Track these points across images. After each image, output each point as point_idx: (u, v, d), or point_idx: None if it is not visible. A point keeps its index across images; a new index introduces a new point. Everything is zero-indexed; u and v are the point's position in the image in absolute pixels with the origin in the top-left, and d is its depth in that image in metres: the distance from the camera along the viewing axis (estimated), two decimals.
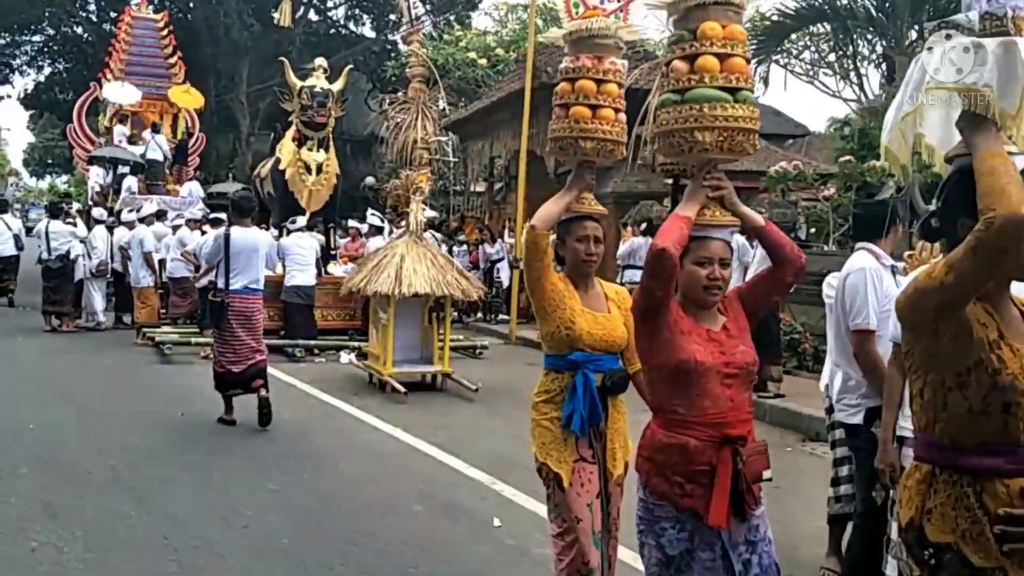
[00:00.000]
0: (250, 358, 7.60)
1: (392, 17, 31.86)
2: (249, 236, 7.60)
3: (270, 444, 7.14)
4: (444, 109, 21.83)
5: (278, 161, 12.75)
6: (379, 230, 12.85)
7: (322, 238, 12.47)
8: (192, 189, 17.79)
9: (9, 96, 31.12)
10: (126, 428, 7.45)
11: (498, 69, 22.20)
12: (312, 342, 11.47)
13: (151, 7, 22.48)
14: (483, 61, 22.05)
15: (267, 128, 31.47)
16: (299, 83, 12.27)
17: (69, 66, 29.01)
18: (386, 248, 9.69)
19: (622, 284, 11.88)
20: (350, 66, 14.20)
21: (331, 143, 12.70)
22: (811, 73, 22.41)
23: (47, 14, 27.22)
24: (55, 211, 13.76)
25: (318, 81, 12.35)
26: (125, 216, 13.85)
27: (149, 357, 10.96)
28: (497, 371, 11.11)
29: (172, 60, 21.14)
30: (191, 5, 29.31)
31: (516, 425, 7.92)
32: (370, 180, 28.41)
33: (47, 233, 13.32)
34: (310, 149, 12.39)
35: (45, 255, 13.34)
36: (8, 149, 71.41)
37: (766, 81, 20.00)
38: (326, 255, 12.53)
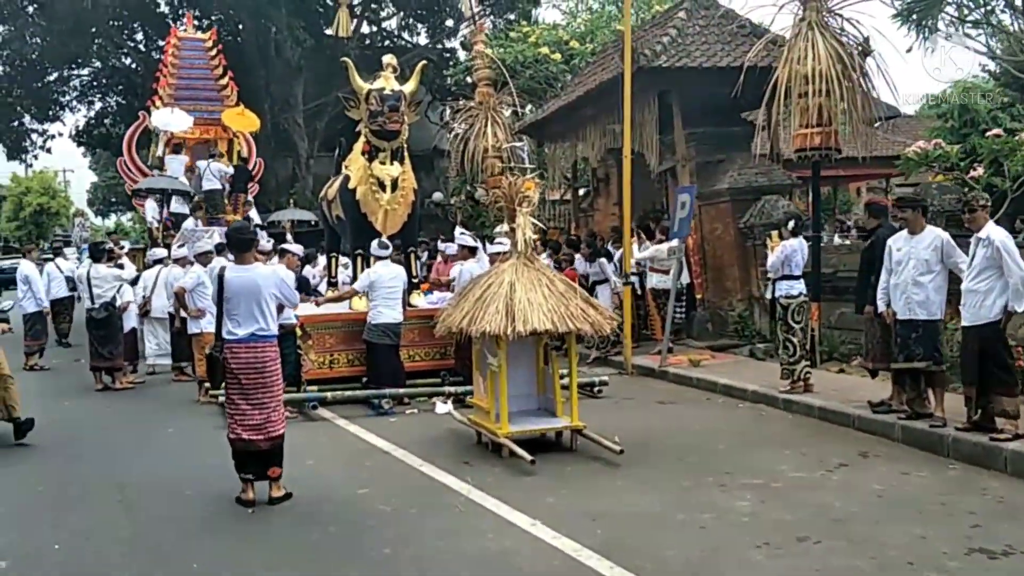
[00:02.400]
0: (268, 426, 6.21)
1: (449, 23, 30.24)
2: (248, 275, 6.25)
3: (374, 544, 5.24)
4: (516, 111, 20.08)
5: (347, 179, 10.94)
6: (472, 251, 10.92)
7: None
8: (251, 217, 16.17)
9: (60, 134, 30.21)
10: (188, 531, 5.64)
11: (574, 63, 20.26)
12: (402, 391, 9.60)
13: (198, 29, 21.02)
14: (556, 56, 20.13)
15: (326, 149, 30.09)
16: (366, 86, 10.45)
17: (120, 99, 27.98)
18: (489, 275, 7.74)
19: (774, 299, 9.83)
20: (423, 61, 12.31)
21: (406, 154, 10.85)
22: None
23: (95, 47, 26.17)
24: (97, 253, 12.17)
25: (387, 83, 10.50)
26: (175, 252, 12.19)
27: (216, 420, 9.18)
28: (629, 415, 9.10)
29: (223, 81, 19.62)
30: (240, 27, 27.98)
31: (694, 507, 5.92)
32: (438, 196, 26.70)
33: (89, 279, 11.72)
34: (383, 162, 10.53)
35: (88, 304, 11.76)
36: (72, 190, 71.73)
37: None
38: (410, 283, 10.66)
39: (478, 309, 7.33)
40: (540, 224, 8.13)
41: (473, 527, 5.67)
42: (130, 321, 12.21)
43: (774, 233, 9.77)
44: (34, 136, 28.46)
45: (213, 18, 26.66)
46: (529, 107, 21.48)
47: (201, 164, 17.16)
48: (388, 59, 10.93)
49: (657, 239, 13.22)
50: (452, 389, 9.69)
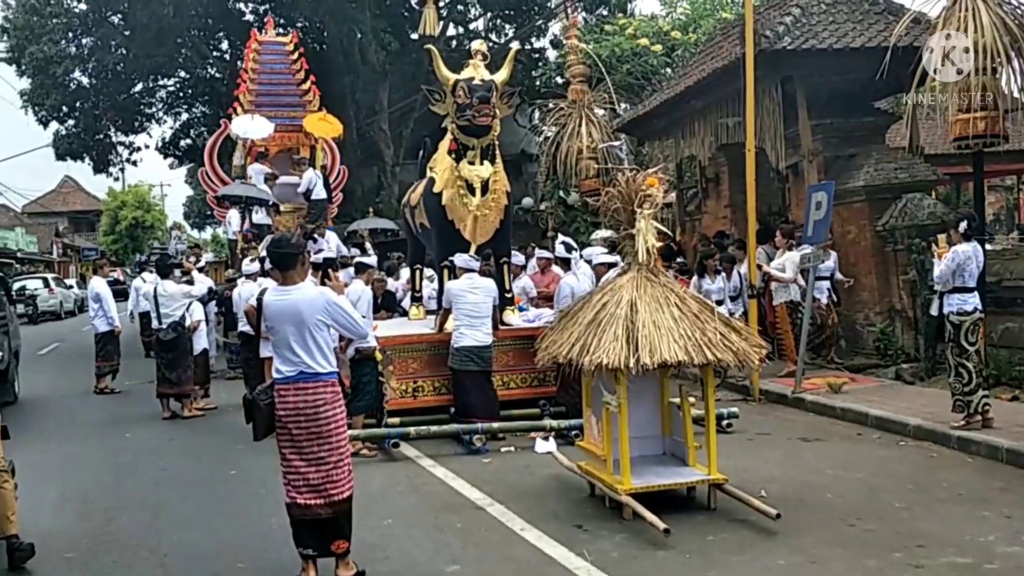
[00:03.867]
0: (329, 487, 4.95)
1: (539, 22, 28.96)
2: (288, 299, 5.01)
3: None
4: (614, 108, 18.63)
5: (431, 183, 9.68)
6: (566, 263, 9.40)
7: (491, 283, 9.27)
8: (328, 236, 15.06)
9: (146, 146, 30.00)
10: None
11: (676, 55, 18.70)
12: (495, 425, 8.25)
13: (279, 33, 20.17)
14: (657, 47, 18.60)
15: (412, 156, 29.09)
16: (452, 76, 9.17)
17: (205, 110, 27.56)
18: (603, 292, 6.31)
19: (942, 316, 8.16)
20: (516, 46, 10.94)
21: (498, 152, 9.52)
22: None
23: (180, 57, 25.72)
24: (164, 268, 11.19)
25: (476, 72, 9.20)
26: (246, 267, 11.12)
27: None
28: (769, 458, 7.55)
29: (305, 85, 18.68)
30: (324, 33, 27.23)
31: None
32: (527, 201, 25.34)
33: (155, 297, 10.75)
34: (471, 162, 9.21)
35: (155, 324, 10.78)
36: (168, 203, 73.18)
37: None
38: (502, 299, 9.32)
39: (591, 335, 5.92)
40: (665, 229, 6.67)
41: None
42: (201, 342, 11.21)
43: (941, 237, 8.09)
44: (120, 149, 28.24)
45: (298, 25, 25.98)
46: (624, 105, 20.02)
47: (311, 175, 16.17)
48: (477, 45, 9.64)
49: (783, 245, 11.60)
50: (554, 423, 8.29)
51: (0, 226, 43.69)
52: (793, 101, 12.52)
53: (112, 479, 7.76)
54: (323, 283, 5.09)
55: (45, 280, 33.28)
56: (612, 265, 9.20)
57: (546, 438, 8.14)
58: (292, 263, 5.02)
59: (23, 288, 30.30)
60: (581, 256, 9.28)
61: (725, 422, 8.50)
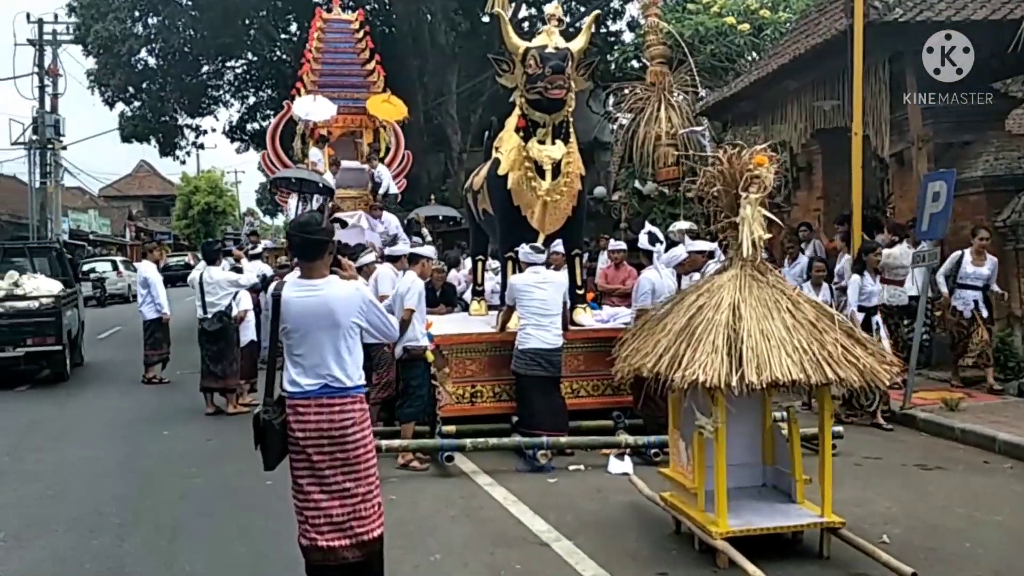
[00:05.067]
0: (355, 525, 4.03)
1: (614, 3, 27.80)
2: (316, 296, 4.07)
3: None
4: (697, 92, 17.41)
5: (496, 164, 8.71)
6: (648, 256, 8.23)
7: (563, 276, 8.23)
8: (386, 218, 14.24)
9: (213, 130, 29.67)
10: None
11: (765, 35, 17.38)
12: (563, 440, 7.25)
13: (345, 10, 19.42)
14: (744, 26, 17.30)
15: (480, 143, 28.24)
16: (523, 44, 8.18)
17: (272, 94, 27.06)
18: (698, 293, 5.24)
19: None
20: (596, 12, 9.95)
21: (572, 130, 8.50)
22: None
23: (247, 39, 25.23)
24: (211, 254, 10.44)
25: (550, 39, 8.17)
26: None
27: None
28: (885, 490, 6.42)
29: (370, 66, 17.88)
30: (393, 15, 26.49)
31: None
32: (599, 191, 24.16)
33: (201, 284, 10.01)
34: (541, 141, 8.19)
35: (200, 313, 10.05)
36: (240, 189, 73.66)
37: None
38: (572, 295, 8.31)
39: (683, 344, 4.89)
40: (775, 218, 5.58)
41: None
42: (248, 333, 10.44)
43: None
44: (186, 131, 27.91)
45: (367, 7, 25.30)
46: (704, 90, 18.76)
47: (381, 170, 15.41)
48: (552, 8, 8.67)
49: (886, 240, 10.37)
50: (631, 440, 7.27)
51: (74, 208, 44.09)
52: (901, 81, 11.22)
53: (135, 488, 6.99)
54: (331, 271, 4.12)
55: (114, 263, 33.31)
56: (711, 255, 8.16)
57: (621, 456, 7.13)
58: (320, 252, 4.09)
59: (92, 270, 30.30)
60: (667, 249, 8.18)
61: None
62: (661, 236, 8.08)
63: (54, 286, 13.03)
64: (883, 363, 4.85)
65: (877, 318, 8.78)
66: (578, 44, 8.34)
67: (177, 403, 10.68)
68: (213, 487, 6.97)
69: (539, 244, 8.04)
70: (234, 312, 10.07)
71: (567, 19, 29.30)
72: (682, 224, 13.39)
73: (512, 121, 8.54)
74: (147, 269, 12.58)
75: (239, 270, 10.76)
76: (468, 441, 7.13)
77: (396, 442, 7.14)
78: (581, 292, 8.67)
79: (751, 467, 5.51)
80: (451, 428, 7.62)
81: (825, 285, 9.45)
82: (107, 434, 9.21)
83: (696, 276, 8.09)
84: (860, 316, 8.52)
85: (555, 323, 7.46)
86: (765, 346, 4.67)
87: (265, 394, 4.17)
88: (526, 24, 27.64)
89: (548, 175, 8.17)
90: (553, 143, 8.20)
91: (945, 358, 10.39)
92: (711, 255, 8.34)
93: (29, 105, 36.49)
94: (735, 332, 4.74)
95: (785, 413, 5.60)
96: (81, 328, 14.63)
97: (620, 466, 7.01)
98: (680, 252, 8.47)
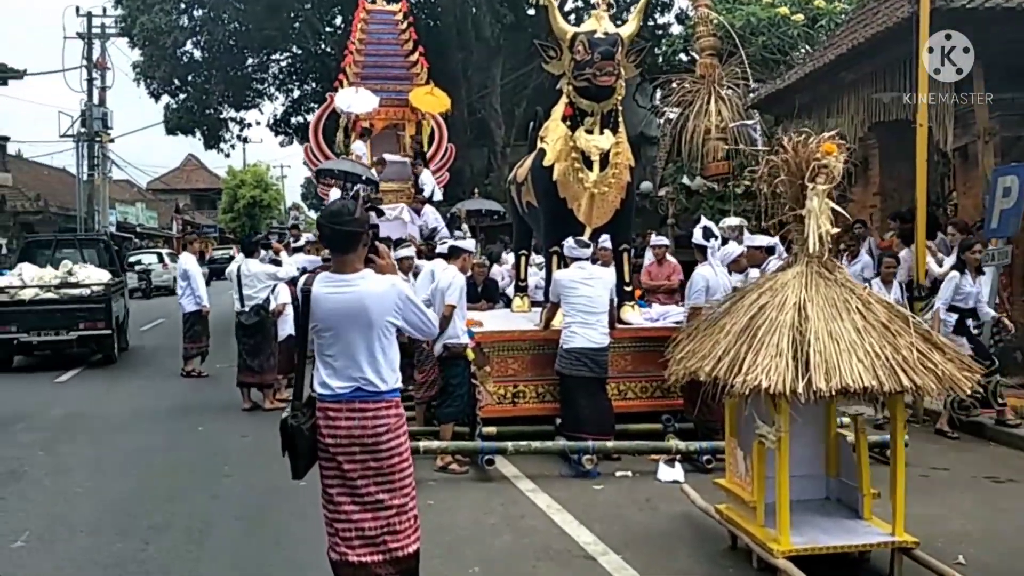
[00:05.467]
0: (389, 540, 3.71)
1: None
2: (350, 292, 3.74)
3: None
4: (748, 84, 16.89)
5: (541, 155, 8.36)
6: (702, 251, 7.75)
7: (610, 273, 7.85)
8: (425, 211, 13.97)
9: (257, 123, 29.64)
10: None
11: (820, 25, 16.81)
12: (610, 444, 6.90)
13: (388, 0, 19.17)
14: (798, 16, 16.74)
15: (523, 137, 27.90)
16: (571, 30, 7.82)
17: (317, 87, 26.95)
18: (759, 290, 4.85)
19: None
20: None
21: (621, 119, 8.13)
22: None
23: (293, 32, 25.11)
24: (249, 246, 10.24)
25: (599, 24, 7.81)
26: None
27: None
28: (957, 504, 6.00)
29: (413, 57, 17.63)
30: (438, 8, 26.23)
31: None
32: (646, 186, 23.72)
33: (239, 277, 9.82)
34: (589, 131, 7.83)
35: (237, 306, 9.85)
36: (286, 183, 74.09)
37: None
38: (620, 292, 7.93)
39: (744, 347, 4.51)
40: (842, 211, 5.17)
41: None
42: (286, 327, 10.22)
43: None
44: (231, 125, 27.89)
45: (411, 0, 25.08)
46: (754, 84, 18.21)
47: (427, 179, 15.09)
48: None
49: (945, 239, 9.88)
50: (682, 445, 6.90)
51: (122, 201, 44.62)
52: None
53: (166, 487, 6.78)
54: (367, 263, 3.80)
55: (159, 255, 33.55)
56: (770, 250, 7.77)
57: (671, 463, 6.77)
58: (352, 243, 3.77)
59: (138, 262, 30.52)
60: (723, 245, 7.78)
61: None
62: (716, 231, 7.67)
63: (103, 275, 14.05)
64: (963, 369, 4.44)
65: (980, 319, 8.26)
66: (628, 29, 7.98)
67: (214, 398, 10.51)
68: (247, 487, 6.74)
69: (585, 238, 7.70)
70: (272, 305, 9.87)
71: (614, 6, 28.90)
72: (732, 220, 12.92)
73: (558, 110, 8.20)
74: (187, 261, 12.44)
75: (278, 263, 10.52)
76: (510, 444, 6.80)
77: (435, 443, 6.84)
78: (629, 289, 8.31)
79: (814, 479, 5.13)
80: (492, 429, 7.32)
81: (896, 283, 8.92)
82: (142, 428, 9.05)
83: (754, 273, 7.75)
84: (952, 317, 8.03)
85: (602, 321, 7.11)
86: (834, 349, 4.28)
87: (294, 397, 3.87)
88: (572, 16, 27.25)
89: (596, 166, 7.82)
90: (601, 132, 7.84)
91: (1012, 363, 9.85)
92: (771, 251, 7.94)
93: (78, 98, 37.01)
94: (801, 334, 4.36)
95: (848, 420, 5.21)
96: (126, 315, 15.71)
97: (670, 473, 6.64)
98: (735, 248, 8.10)
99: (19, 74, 26.62)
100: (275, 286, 9.94)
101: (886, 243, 11.25)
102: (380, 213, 11.80)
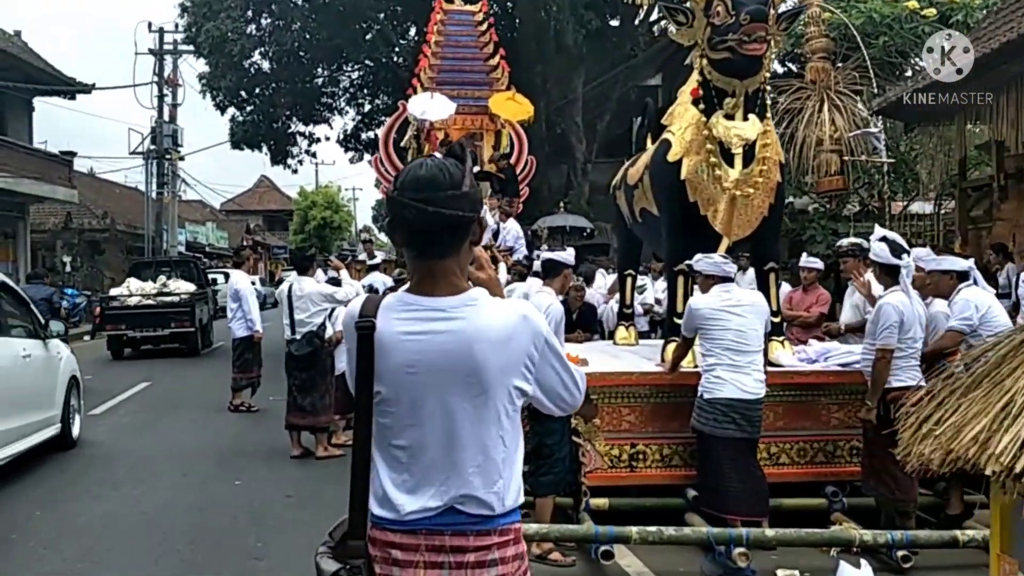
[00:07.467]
0: None
1: None
2: (449, 330, 2.02)
3: None
4: (872, 88, 15.00)
5: (665, 147, 6.60)
6: (891, 272, 5.79)
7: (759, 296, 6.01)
8: (511, 227, 12.28)
9: (327, 138, 28.50)
10: None
11: (954, 21, 14.76)
12: (769, 532, 5.06)
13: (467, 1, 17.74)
14: (930, 12, 14.74)
15: (605, 154, 26.21)
16: None
17: (389, 101, 25.71)
18: (1010, 341, 3.03)
19: None
20: None
21: (768, 102, 6.36)
22: None
23: (364, 43, 23.91)
24: (303, 262, 8.69)
25: None
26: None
27: None
28: None
29: (493, 61, 16.13)
30: (516, 19, 24.81)
31: None
32: (804, 201, 21.93)
33: (290, 298, 8.26)
34: (729, 116, 6.09)
35: (288, 333, 8.29)
36: (357, 206, 73.72)
37: None
38: (769, 324, 6.11)
39: (994, 409, 2.70)
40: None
41: None
42: (344, 359, 8.60)
43: None
44: (299, 139, 26.79)
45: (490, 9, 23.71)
46: (867, 88, 16.23)
47: (513, 227, 13.30)
48: None
49: None
50: (866, 534, 5.04)
51: (192, 221, 44.21)
52: None
53: (183, 558, 5.19)
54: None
55: (226, 275, 32.69)
56: (963, 276, 5.89)
57: (855, 561, 4.91)
58: (457, 238, 2.07)
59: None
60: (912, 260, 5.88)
61: None
62: (904, 244, 5.77)
63: (190, 287, 18.32)
64: None
65: None
66: None
67: (261, 439, 8.98)
68: (278, 568, 5.10)
69: (720, 254, 5.92)
70: (328, 333, 8.26)
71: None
72: (885, 232, 11.05)
73: (687, 90, 6.46)
74: (239, 280, 10.93)
75: (337, 282, 8.87)
76: (634, 530, 4.98)
77: (532, 526, 5.08)
78: (777, 320, 6.44)
79: None
80: (602, 502, 5.58)
81: None
82: (169, 479, 7.51)
83: (939, 304, 5.93)
84: None
85: (755, 363, 5.31)
86: None
87: (350, 523, 2.12)
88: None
89: (738, 161, 6.06)
90: (745, 118, 6.09)
91: None
92: (963, 276, 6.03)
93: (148, 115, 36.55)
94: None
95: None
96: (209, 319, 19.46)
97: (854, 574, 4.79)
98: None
99: (87, 88, 25.93)
100: (332, 310, 8.33)
101: None
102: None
